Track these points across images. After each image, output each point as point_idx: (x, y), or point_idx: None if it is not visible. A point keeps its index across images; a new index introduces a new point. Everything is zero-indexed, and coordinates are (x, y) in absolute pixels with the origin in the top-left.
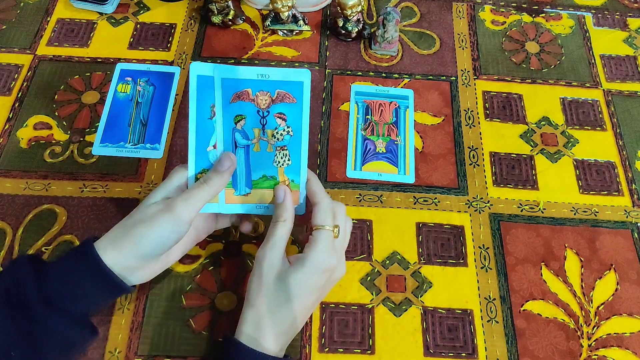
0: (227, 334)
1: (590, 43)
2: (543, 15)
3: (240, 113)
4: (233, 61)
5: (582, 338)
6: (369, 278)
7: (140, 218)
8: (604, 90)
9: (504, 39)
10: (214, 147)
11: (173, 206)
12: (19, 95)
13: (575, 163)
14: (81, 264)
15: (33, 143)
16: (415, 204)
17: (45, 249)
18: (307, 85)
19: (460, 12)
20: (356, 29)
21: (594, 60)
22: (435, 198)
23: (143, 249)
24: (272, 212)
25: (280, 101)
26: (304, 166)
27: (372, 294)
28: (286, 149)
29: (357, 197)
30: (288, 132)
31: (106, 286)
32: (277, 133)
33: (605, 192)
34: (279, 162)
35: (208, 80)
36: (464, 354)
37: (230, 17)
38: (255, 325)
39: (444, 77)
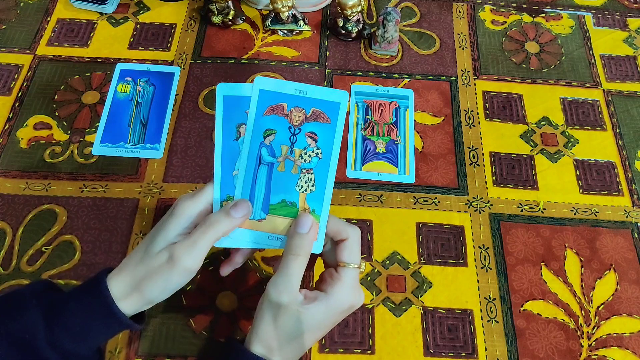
0: (230, 338)
1: (590, 43)
2: (543, 15)
3: (271, 127)
4: (233, 61)
5: (582, 338)
6: (369, 278)
7: (148, 271)
8: (604, 90)
9: (504, 39)
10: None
11: (176, 258)
12: (19, 95)
13: (575, 163)
14: (94, 308)
15: (33, 143)
16: (415, 204)
17: (45, 249)
18: (343, 107)
19: (460, 12)
20: (356, 29)
21: (594, 60)
22: (435, 198)
23: (153, 298)
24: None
25: (314, 120)
26: (328, 196)
27: (372, 294)
28: (312, 173)
29: (357, 197)
30: (317, 154)
31: (118, 327)
32: (305, 153)
33: (605, 192)
34: (302, 186)
35: (234, 101)
36: (464, 354)
37: (230, 17)
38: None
39: (444, 77)
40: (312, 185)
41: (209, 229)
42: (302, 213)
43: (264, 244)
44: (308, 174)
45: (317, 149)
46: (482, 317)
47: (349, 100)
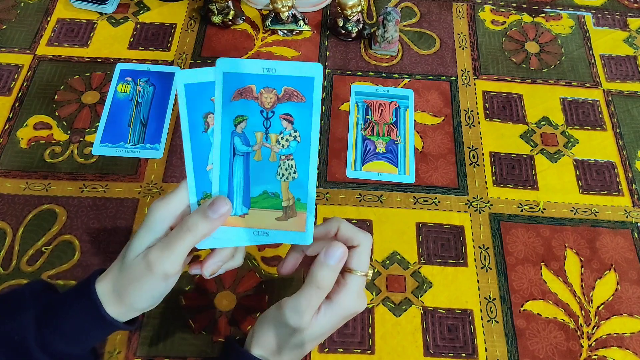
0: (229, 338)
1: (590, 43)
2: (543, 15)
3: (241, 113)
4: None
5: (582, 338)
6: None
7: (126, 278)
8: (604, 90)
9: (504, 39)
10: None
11: (152, 264)
12: (19, 95)
13: (575, 163)
14: (85, 310)
15: (33, 143)
16: (415, 204)
17: (45, 249)
18: (318, 81)
19: (460, 12)
20: (356, 29)
21: (594, 60)
22: (435, 198)
23: (137, 305)
24: (275, 241)
25: (287, 100)
26: (312, 181)
27: (372, 294)
28: (292, 159)
29: (357, 197)
30: (295, 137)
31: (109, 329)
32: (282, 138)
33: (605, 192)
34: (283, 174)
35: (197, 88)
36: (464, 354)
37: (230, 17)
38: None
39: (444, 77)
40: (294, 172)
41: (187, 233)
42: (335, 242)
43: (250, 240)
44: (288, 160)
45: (295, 131)
46: (482, 317)
47: (352, 103)
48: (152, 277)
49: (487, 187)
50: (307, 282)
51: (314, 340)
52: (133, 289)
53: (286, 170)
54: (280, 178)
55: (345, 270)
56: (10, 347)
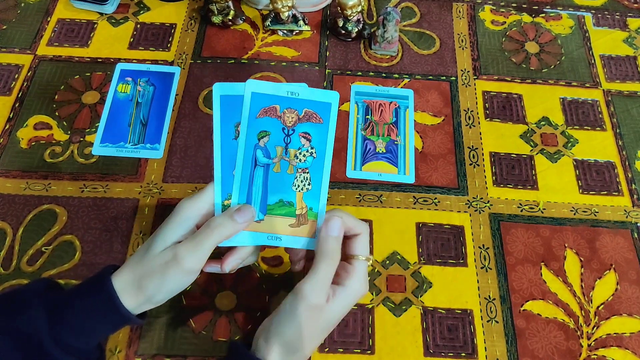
0: (234, 341)
1: (590, 43)
2: (543, 15)
3: (265, 129)
4: (233, 61)
5: (582, 338)
6: (369, 278)
7: (150, 269)
8: (603, 90)
9: (504, 39)
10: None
11: (180, 258)
12: (19, 95)
13: (575, 163)
14: (98, 304)
15: (33, 143)
16: (415, 204)
17: (45, 249)
18: (334, 107)
19: (460, 12)
20: (356, 29)
21: (594, 60)
22: (435, 198)
23: (154, 297)
24: (286, 245)
25: (307, 120)
26: (324, 193)
27: (372, 294)
28: (307, 172)
29: (357, 197)
30: (311, 153)
31: (121, 322)
32: (299, 153)
33: (605, 192)
34: (298, 186)
35: (231, 100)
36: (463, 354)
37: (230, 17)
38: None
39: (444, 77)
40: (308, 184)
41: (213, 232)
42: (330, 215)
43: (263, 242)
44: (304, 173)
45: (312, 148)
46: (482, 317)
47: (352, 103)
48: (178, 271)
49: (487, 187)
50: (318, 258)
51: (331, 327)
52: (155, 281)
53: (301, 182)
54: (296, 189)
55: (351, 258)
56: (24, 341)
